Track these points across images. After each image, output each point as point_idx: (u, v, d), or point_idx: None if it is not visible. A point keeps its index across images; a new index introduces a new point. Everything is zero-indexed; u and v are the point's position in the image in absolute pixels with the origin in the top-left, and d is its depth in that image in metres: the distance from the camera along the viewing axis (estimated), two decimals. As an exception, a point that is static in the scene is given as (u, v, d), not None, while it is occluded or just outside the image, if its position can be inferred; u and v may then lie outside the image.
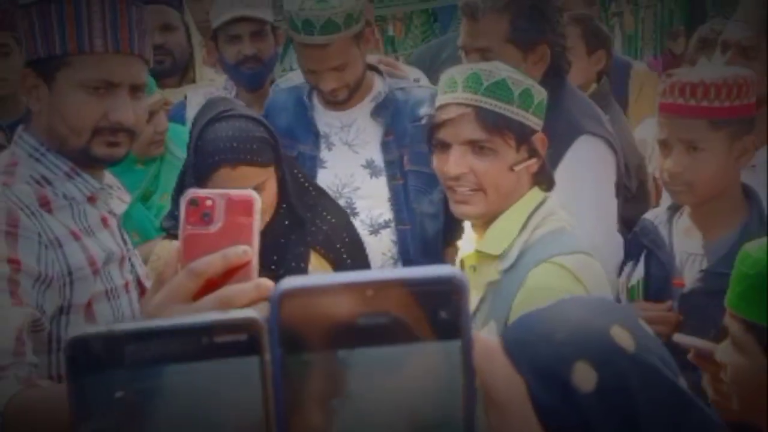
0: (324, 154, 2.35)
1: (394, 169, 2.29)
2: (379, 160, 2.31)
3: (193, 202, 0.80)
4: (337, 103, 2.33)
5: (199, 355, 0.45)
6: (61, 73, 1.49)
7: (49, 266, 1.44)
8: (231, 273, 0.79)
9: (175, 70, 2.84)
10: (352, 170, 2.32)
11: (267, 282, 0.78)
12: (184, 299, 0.78)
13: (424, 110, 2.26)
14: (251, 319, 0.45)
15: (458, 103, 1.67)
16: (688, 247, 1.99)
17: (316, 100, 2.39)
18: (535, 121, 1.70)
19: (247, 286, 0.78)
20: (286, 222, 1.91)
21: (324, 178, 2.29)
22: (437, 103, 1.73)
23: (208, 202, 0.79)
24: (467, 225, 1.79)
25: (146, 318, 0.79)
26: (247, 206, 0.80)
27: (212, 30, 2.74)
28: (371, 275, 0.45)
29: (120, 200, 1.70)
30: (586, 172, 2.13)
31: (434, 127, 1.71)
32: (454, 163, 1.67)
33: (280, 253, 1.89)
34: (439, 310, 0.45)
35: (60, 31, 1.45)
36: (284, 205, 1.89)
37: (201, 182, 1.75)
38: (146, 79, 1.61)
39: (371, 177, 2.31)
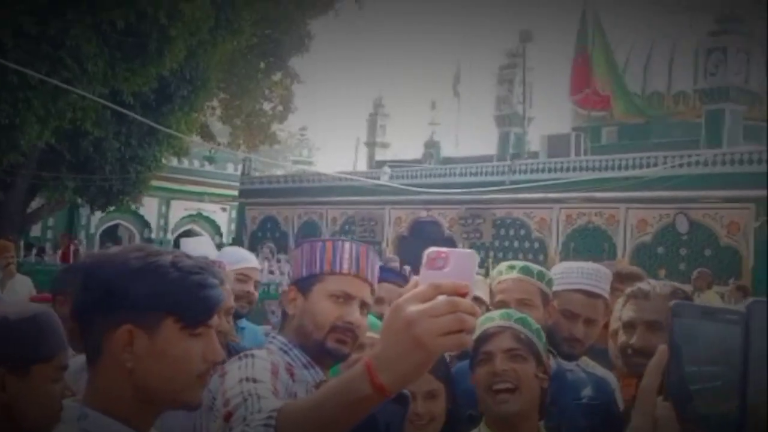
0: None
1: None
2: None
3: (432, 254, 1.19)
4: None
5: None
6: (316, 286, 2.07)
7: None
8: None
9: None
10: None
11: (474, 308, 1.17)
12: (422, 300, 1.16)
13: (585, 392, 2.73)
14: None
15: None
16: None
17: None
18: None
19: (467, 301, 1.15)
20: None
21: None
22: None
23: (443, 254, 1.18)
24: None
25: (393, 311, 1.18)
26: (469, 258, 1.20)
27: None
28: None
29: None
30: None
31: None
32: None
33: None
34: None
35: (321, 258, 2.08)
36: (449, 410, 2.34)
37: None
38: (371, 301, 2.15)
39: None
